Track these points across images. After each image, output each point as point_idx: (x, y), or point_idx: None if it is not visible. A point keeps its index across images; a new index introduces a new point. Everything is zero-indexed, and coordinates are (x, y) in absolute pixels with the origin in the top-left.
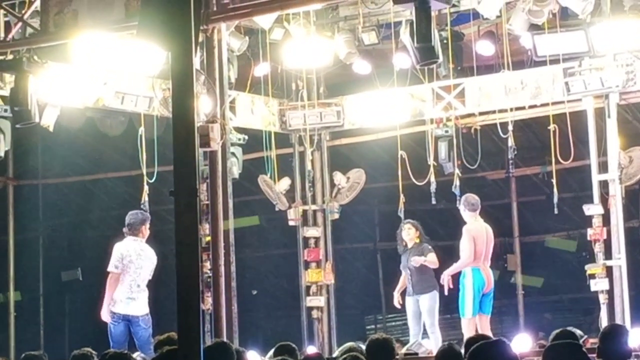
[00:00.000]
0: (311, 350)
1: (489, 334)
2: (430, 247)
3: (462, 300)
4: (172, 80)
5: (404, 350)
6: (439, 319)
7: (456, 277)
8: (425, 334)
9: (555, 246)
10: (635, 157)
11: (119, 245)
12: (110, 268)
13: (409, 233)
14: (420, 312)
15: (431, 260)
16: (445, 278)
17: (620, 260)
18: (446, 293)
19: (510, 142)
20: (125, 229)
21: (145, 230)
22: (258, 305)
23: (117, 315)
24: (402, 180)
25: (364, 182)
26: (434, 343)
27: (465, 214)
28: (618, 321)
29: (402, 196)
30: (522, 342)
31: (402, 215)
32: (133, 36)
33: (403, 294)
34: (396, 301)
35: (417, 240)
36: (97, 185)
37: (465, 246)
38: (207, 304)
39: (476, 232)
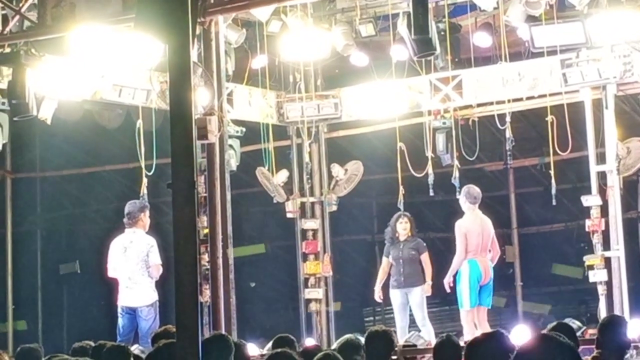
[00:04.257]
0: (310, 342)
1: (486, 326)
2: (424, 244)
3: (459, 292)
4: (170, 73)
5: (402, 342)
6: (437, 311)
7: None
8: (412, 326)
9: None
10: (633, 148)
11: (110, 246)
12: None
13: (405, 227)
14: (408, 304)
15: (427, 261)
16: (446, 282)
17: (618, 251)
18: (448, 291)
19: (508, 133)
20: (125, 220)
21: (145, 218)
22: (256, 297)
23: (121, 308)
24: (401, 172)
25: (361, 174)
26: (426, 335)
27: (465, 205)
28: (617, 312)
29: (401, 188)
30: (520, 333)
31: (401, 207)
32: (130, 29)
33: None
34: (377, 295)
35: (410, 234)
36: (95, 178)
37: (457, 243)
38: (206, 296)
39: (467, 228)
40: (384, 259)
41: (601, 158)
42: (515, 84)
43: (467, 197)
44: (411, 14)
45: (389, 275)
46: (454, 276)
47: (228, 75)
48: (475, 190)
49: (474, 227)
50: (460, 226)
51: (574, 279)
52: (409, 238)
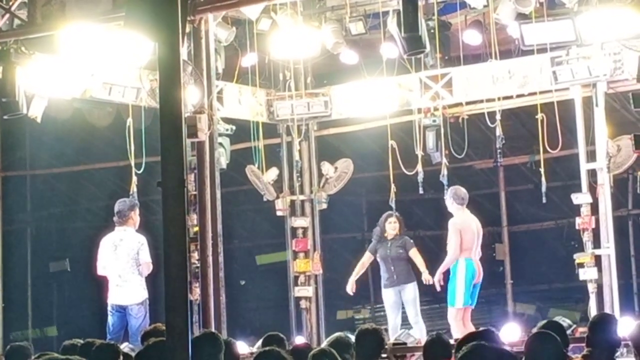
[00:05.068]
0: (300, 340)
1: (470, 325)
2: (411, 240)
3: (452, 290)
4: (160, 71)
5: (392, 340)
6: (427, 308)
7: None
8: (405, 325)
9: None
10: (623, 146)
11: (100, 244)
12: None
13: (394, 227)
14: (401, 302)
15: (416, 255)
16: (437, 278)
17: (609, 249)
18: (438, 289)
19: (498, 131)
20: (115, 218)
21: (135, 216)
22: (246, 295)
23: (111, 306)
24: (390, 170)
25: (351, 172)
26: (418, 333)
27: (452, 206)
28: (607, 310)
29: (392, 186)
30: (510, 331)
31: (393, 205)
32: (120, 27)
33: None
34: (350, 288)
35: (398, 233)
36: (85, 176)
37: (451, 240)
38: (195, 294)
39: (462, 225)
40: (367, 254)
41: (591, 156)
42: (505, 81)
43: (455, 199)
44: (401, 11)
45: (380, 276)
46: (447, 274)
47: (218, 74)
48: (462, 190)
49: (467, 226)
50: (455, 223)
51: (564, 276)
52: (396, 237)
